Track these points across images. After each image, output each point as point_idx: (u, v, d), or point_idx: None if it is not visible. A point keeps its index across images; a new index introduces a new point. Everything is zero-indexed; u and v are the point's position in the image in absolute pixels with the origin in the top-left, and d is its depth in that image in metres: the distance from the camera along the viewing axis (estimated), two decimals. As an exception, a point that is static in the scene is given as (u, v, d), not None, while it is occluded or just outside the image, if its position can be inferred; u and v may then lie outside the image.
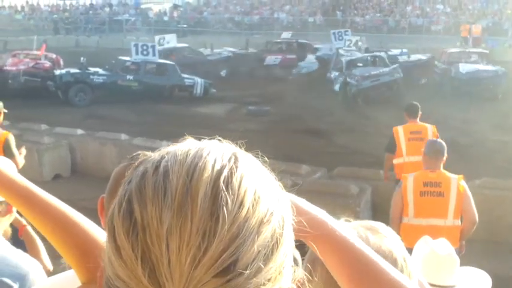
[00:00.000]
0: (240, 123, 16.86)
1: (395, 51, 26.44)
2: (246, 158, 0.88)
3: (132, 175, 0.87)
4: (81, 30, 47.50)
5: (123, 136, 12.00)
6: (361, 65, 21.81)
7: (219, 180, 0.80)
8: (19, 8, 58.60)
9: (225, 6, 54.15)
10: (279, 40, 29.71)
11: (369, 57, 22.77)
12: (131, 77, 20.08)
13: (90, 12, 56.02)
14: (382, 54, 23.36)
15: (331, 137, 14.79)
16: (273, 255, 0.81)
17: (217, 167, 0.82)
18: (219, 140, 0.93)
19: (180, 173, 0.81)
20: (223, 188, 0.80)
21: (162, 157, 0.86)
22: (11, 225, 2.67)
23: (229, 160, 0.84)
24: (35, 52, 22.77)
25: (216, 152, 0.85)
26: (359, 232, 1.38)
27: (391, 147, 8.19)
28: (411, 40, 35.20)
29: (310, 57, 26.62)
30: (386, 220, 8.08)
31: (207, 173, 0.81)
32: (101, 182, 8.50)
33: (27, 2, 59.55)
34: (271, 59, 27.21)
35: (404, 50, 26.84)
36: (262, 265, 0.79)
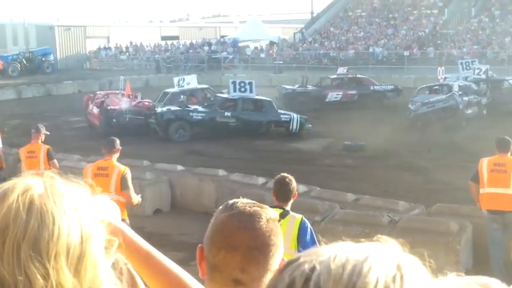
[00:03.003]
0: (336, 159, 16.81)
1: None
2: (412, 274, 0.74)
3: (277, 282, 0.77)
4: (181, 68, 49.05)
5: (221, 172, 12.20)
6: (427, 92, 23.51)
7: None
8: (124, 49, 61.36)
9: (320, 42, 54.48)
10: (335, 76, 29.58)
11: (436, 86, 23.81)
12: (229, 114, 20.50)
13: (190, 51, 57.84)
14: (452, 83, 23.77)
15: (429, 173, 14.48)
16: None
17: None
18: (380, 240, 0.80)
19: None
20: None
21: (313, 268, 0.74)
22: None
23: (393, 280, 0.72)
24: (122, 92, 23.61)
25: (378, 267, 0.73)
26: None
27: (474, 177, 8.23)
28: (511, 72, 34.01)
29: None
30: (488, 259, 7.82)
31: None
32: (200, 217, 8.73)
33: (131, 43, 62.27)
34: (332, 95, 27.26)
35: None
36: None
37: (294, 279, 0.74)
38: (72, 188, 1.16)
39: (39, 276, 1.04)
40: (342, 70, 31.07)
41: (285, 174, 5.46)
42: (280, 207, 5.18)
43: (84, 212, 1.13)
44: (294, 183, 5.38)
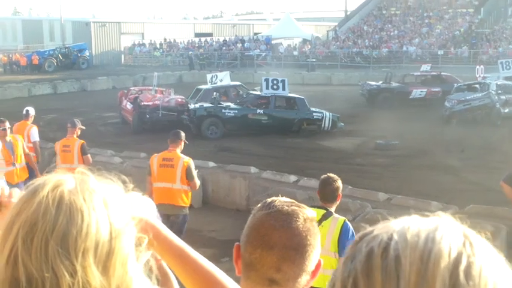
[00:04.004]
0: (368, 158, 16.71)
1: None
2: (479, 242, 0.81)
3: (355, 253, 0.83)
4: (214, 65, 49.26)
5: (253, 169, 12.19)
6: (464, 90, 23.65)
7: (457, 269, 0.75)
8: (158, 45, 61.82)
9: (354, 40, 54.19)
10: (418, 73, 29.57)
11: (474, 85, 24.08)
12: (261, 111, 20.50)
13: (223, 48, 58.02)
14: (489, 81, 23.81)
15: (463, 173, 14.30)
16: None
17: (453, 254, 0.77)
18: (441, 215, 0.86)
19: (413, 259, 0.77)
20: (463, 278, 0.75)
21: (390, 238, 0.81)
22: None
23: (464, 245, 0.78)
24: (156, 88, 23.95)
25: (448, 236, 0.79)
26: None
27: (508, 179, 7.99)
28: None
29: None
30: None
31: (445, 260, 0.76)
32: (231, 214, 8.76)
33: (165, 39, 62.71)
34: (417, 92, 27.22)
35: None
36: None
37: (372, 249, 0.80)
38: (104, 184, 1.16)
39: (66, 273, 1.04)
40: (425, 67, 31.26)
41: (331, 174, 5.39)
42: (323, 208, 5.17)
43: (115, 209, 1.12)
44: (338, 184, 5.30)
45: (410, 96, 27.11)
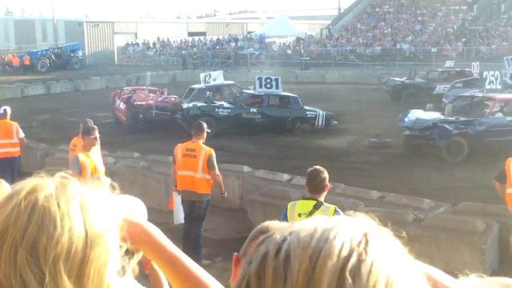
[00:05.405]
0: (362, 156, 16.72)
1: None
2: (378, 239, 0.78)
3: (253, 255, 0.81)
4: (207, 64, 49.20)
5: (246, 168, 12.19)
6: (460, 85, 24.29)
7: (345, 269, 0.73)
8: (151, 45, 61.72)
9: (347, 38, 54.24)
10: (442, 69, 29.94)
11: (471, 80, 24.86)
12: (255, 110, 20.50)
13: (217, 47, 57.99)
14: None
15: (456, 171, 14.32)
16: None
17: (344, 253, 0.74)
18: (350, 215, 0.85)
19: (303, 258, 0.74)
20: (350, 278, 0.72)
21: (285, 238, 0.79)
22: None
23: (358, 244, 0.76)
24: (149, 87, 23.96)
25: (344, 234, 0.77)
26: None
27: (500, 177, 8.09)
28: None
29: None
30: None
31: (333, 260, 0.73)
32: (224, 214, 8.69)
33: (158, 39, 62.61)
34: (440, 88, 27.34)
35: None
36: None
37: (267, 250, 0.78)
38: (85, 189, 1.13)
39: (34, 281, 1.02)
40: (449, 63, 31.72)
41: (317, 167, 5.67)
42: (313, 199, 5.48)
43: (93, 216, 1.09)
44: (325, 175, 5.56)
45: (434, 92, 27.16)
